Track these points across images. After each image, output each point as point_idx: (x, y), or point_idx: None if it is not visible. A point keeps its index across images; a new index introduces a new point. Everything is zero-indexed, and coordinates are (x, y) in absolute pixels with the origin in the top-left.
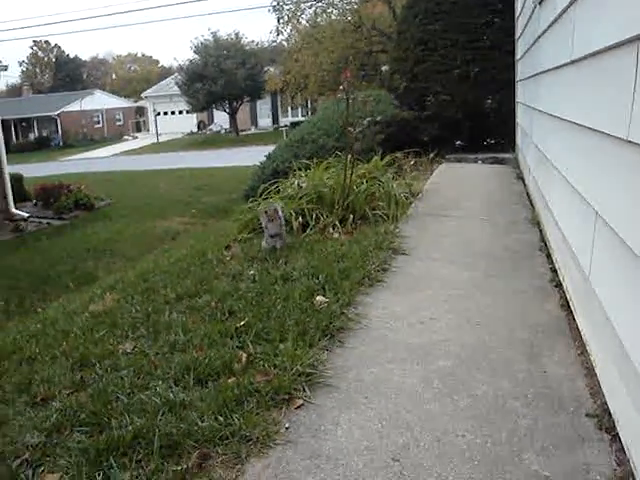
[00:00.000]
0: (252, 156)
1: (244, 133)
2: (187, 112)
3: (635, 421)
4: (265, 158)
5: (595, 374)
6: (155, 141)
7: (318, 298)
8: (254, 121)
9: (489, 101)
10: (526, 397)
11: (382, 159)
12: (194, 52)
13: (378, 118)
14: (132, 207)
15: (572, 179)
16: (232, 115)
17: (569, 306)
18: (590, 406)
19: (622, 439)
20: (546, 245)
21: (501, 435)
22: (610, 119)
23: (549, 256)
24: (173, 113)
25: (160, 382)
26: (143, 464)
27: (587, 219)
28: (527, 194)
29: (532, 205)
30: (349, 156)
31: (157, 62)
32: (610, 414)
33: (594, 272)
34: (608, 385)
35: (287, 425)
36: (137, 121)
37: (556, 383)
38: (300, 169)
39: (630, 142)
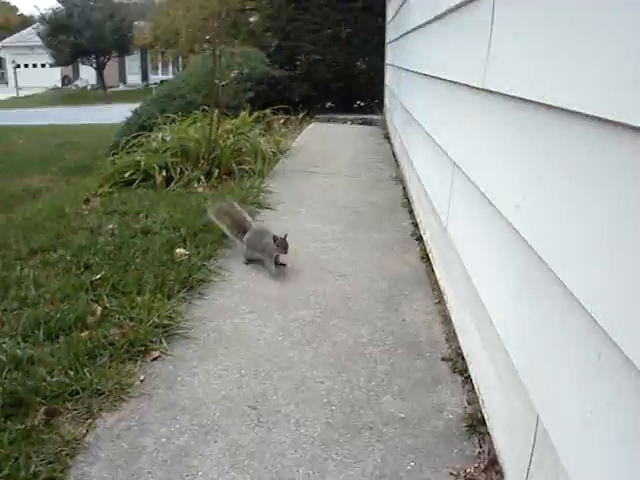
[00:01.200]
0: (121, 113)
1: (112, 90)
2: (50, 65)
3: (484, 363)
4: (132, 114)
5: (451, 321)
6: (15, 95)
7: (178, 250)
8: (123, 78)
9: (359, 63)
10: (385, 344)
11: (250, 116)
12: (58, 1)
13: (245, 70)
14: None
15: (432, 132)
16: (99, 70)
17: (429, 258)
18: (445, 351)
19: (473, 380)
20: (409, 201)
21: (359, 380)
22: (470, 70)
23: (411, 211)
24: (35, 66)
25: (7, 339)
26: None
27: (445, 170)
28: (393, 154)
29: (397, 164)
30: (216, 110)
31: (16, 9)
32: (463, 357)
33: (451, 222)
34: (462, 330)
35: (142, 377)
36: None
37: (414, 330)
38: (166, 124)
39: (486, 90)
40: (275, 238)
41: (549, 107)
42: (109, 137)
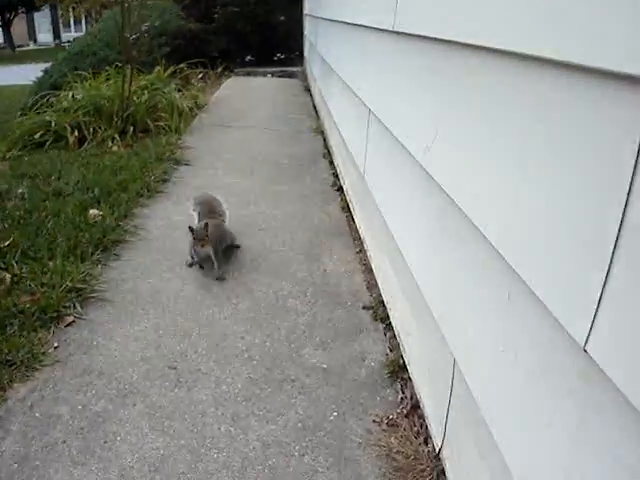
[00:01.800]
0: (33, 73)
1: (22, 49)
2: None
3: (404, 309)
4: (42, 73)
5: (372, 269)
6: None
7: (91, 212)
8: (33, 36)
9: (278, 14)
10: (305, 295)
11: (166, 71)
12: None
13: (157, 23)
14: None
15: (349, 80)
16: (6, 28)
17: (349, 208)
18: (367, 299)
19: (394, 327)
20: (329, 152)
21: (280, 334)
22: (382, 14)
23: (332, 163)
24: None
25: None
26: None
27: (361, 118)
28: (313, 105)
29: (317, 115)
30: (128, 66)
31: None
32: (384, 305)
33: (368, 170)
34: (382, 277)
35: (56, 344)
36: None
37: (335, 280)
38: (77, 82)
39: (397, 32)
40: (191, 229)
41: (456, 44)
42: (19, 100)
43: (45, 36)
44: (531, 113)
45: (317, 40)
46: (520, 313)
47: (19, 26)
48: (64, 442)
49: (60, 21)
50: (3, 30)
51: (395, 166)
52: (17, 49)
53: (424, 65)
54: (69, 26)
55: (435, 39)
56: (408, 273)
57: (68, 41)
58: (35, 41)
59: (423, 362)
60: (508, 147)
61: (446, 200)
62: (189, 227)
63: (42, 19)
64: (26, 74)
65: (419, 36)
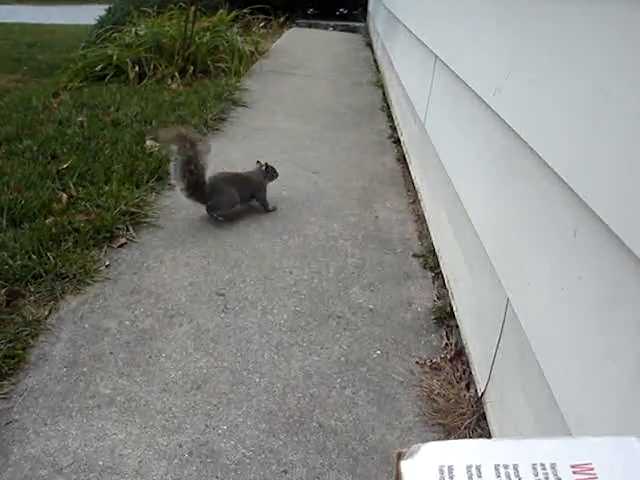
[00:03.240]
0: (99, 13)
1: None
2: None
3: (456, 255)
4: (105, 12)
5: (424, 219)
6: None
7: (148, 142)
8: None
9: None
10: (356, 239)
11: (228, 15)
12: None
13: None
14: None
15: (416, 30)
16: None
17: (405, 160)
18: (417, 248)
19: (444, 274)
20: (388, 106)
21: (329, 272)
22: None
23: (390, 116)
24: None
25: None
26: None
27: (427, 65)
28: (374, 60)
29: (378, 70)
30: (192, 6)
31: None
32: (435, 254)
33: (429, 119)
34: (435, 226)
35: (107, 263)
36: None
37: (386, 227)
38: (140, 19)
39: None
40: (267, 165)
41: None
42: (82, 38)
43: None
44: (615, 47)
45: None
46: (586, 249)
47: None
48: (111, 353)
49: None
50: None
51: (460, 111)
52: None
53: (502, 2)
54: None
55: None
56: (465, 219)
57: None
58: None
59: (472, 307)
60: (587, 81)
61: (514, 139)
62: (259, 161)
63: None
64: (91, 15)
65: None
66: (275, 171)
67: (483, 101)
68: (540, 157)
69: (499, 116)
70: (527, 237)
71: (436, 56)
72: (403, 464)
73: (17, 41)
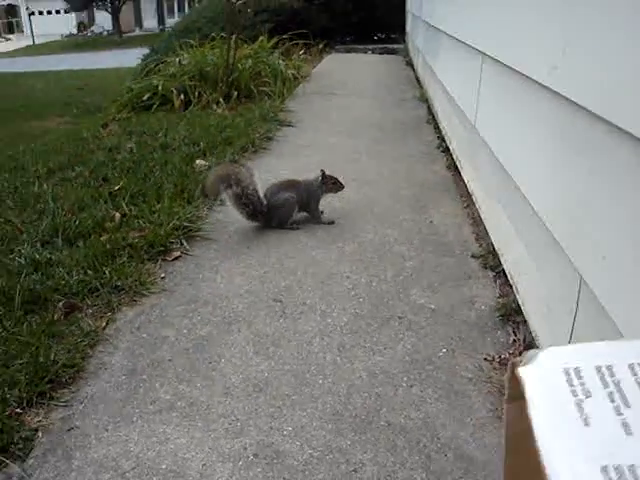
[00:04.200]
0: (137, 58)
1: (128, 35)
2: (65, 11)
3: (518, 249)
4: (149, 51)
5: (480, 222)
6: (31, 43)
7: (198, 162)
8: (139, 22)
9: None
10: (412, 243)
11: (269, 42)
12: None
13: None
14: (7, 109)
15: (457, 33)
16: (115, 15)
17: (456, 167)
18: (475, 249)
19: (506, 271)
20: (433, 118)
21: (387, 275)
22: None
23: (436, 127)
24: (50, 13)
25: (25, 245)
26: (3, 321)
27: (473, 64)
28: (416, 77)
29: (420, 86)
30: (233, 35)
31: None
32: (494, 254)
33: (480, 118)
34: (494, 226)
35: (163, 275)
36: (9, 21)
37: (442, 231)
38: (183, 50)
39: None
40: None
41: None
42: (127, 79)
43: (150, 22)
44: None
45: (421, 9)
46: None
47: (126, 13)
48: (170, 360)
49: (165, 6)
50: (112, 17)
51: (513, 101)
52: (124, 35)
53: None
54: (172, 12)
55: None
56: (525, 210)
57: (171, 26)
58: (141, 27)
59: (541, 297)
60: None
61: (577, 113)
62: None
63: (148, 5)
64: (133, 57)
65: None
66: (337, 182)
67: (538, 83)
68: (610, 122)
69: (558, 93)
70: (601, 213)
71: (482, 53)
72: (522, 370)
73: (66, 86)
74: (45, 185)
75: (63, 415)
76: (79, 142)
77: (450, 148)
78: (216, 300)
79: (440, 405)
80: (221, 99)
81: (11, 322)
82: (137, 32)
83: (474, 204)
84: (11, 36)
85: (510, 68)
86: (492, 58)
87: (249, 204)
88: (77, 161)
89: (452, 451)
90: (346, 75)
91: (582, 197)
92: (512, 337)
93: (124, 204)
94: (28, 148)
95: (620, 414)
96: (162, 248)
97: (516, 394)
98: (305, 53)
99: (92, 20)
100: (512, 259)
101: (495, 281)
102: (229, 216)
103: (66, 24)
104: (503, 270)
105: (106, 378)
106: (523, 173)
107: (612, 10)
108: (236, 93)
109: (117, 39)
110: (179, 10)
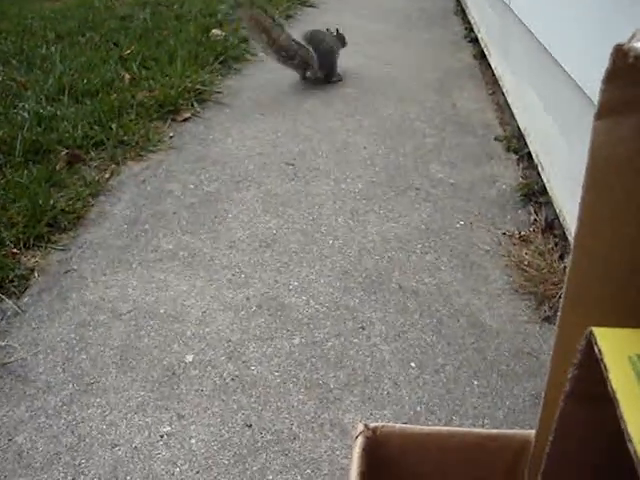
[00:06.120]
0: None
1: None
2: None
3: (546, 128)
4: None
5: (506, 108)
6: None
7: (213, 31)
8: None
9: None
10: (433, 121)
11: None
12: None
13: None
14: None
15: None
16: None
17: (482, 56)
18: (499, 133)
19: (532, 150)
20: (462, 10)
21: (405, 149)
22: None
23: (464, 19)
24: None
25: (30, 101)
26: (3, 168)
27: None
28: None
29: None
30: None
31: None
32: (519, 137)
33: None
34: (522, 106)
35: (172, 134)
36: None
37: (465, 113)
38: None
39: None
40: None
41: None
42: None
43: None
44: None
45: None
46: None
47: None
48: (174, 213)
49: None
50: None
51: None
52: None
53: None
54: None
55: None
56: (562, 81)
57: None
58: None
59: (567, 176)
60: None
61: None
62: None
63: None
64: None
65: None
66: (344, 39)
67: None
68: None
69: None
70: None
71: None
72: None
73: None
74: (53, 48)
75: (60, 258)
76: (90, 10)
77: (478, 37)
78: (226, 159)
79: (455, 274)
80: None
81: (12, 169)
82: None
83: (500, 90)
84: None
85: None
86: None
87: (288, 56)
88: (87, 27)
89: (465, 317)
90: None
91: None
92: (533, 216)
93: (135, 66)
94: (37, 14)
95: None
96: (172, 108)
97: (612, 104)
98: None
99: None
100: (539, 138)
101: (518, 164)
102: (244, 84)
103: None
104: (528, 153)
105: (107, 226)
106: (563, 42)
107: None
108: None
109: None
110: None
